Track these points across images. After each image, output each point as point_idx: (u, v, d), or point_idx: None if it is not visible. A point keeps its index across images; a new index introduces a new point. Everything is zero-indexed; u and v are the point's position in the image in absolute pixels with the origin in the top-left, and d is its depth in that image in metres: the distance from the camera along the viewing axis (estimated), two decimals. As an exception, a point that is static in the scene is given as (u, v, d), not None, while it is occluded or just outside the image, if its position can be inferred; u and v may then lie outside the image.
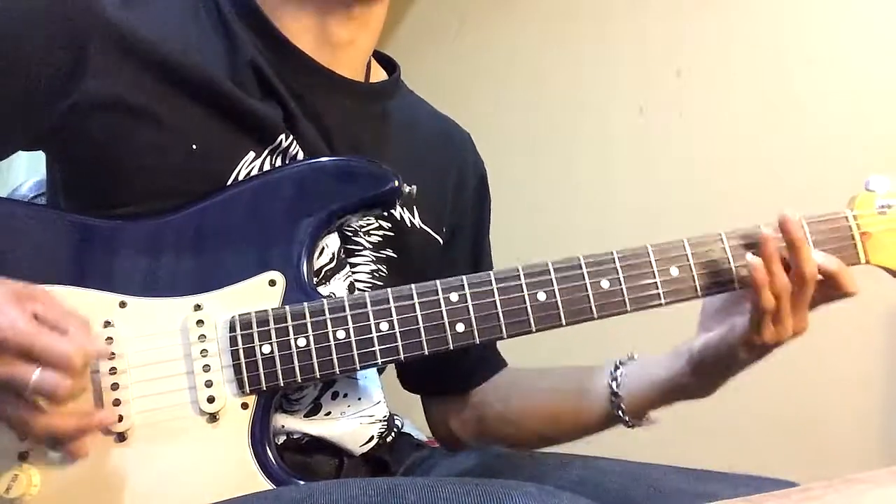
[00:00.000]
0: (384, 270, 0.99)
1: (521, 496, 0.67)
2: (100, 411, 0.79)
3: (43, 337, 0.70)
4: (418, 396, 1.17)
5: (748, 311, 0.88)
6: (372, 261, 0.99)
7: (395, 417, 1.05)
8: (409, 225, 1.02)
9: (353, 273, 0.97)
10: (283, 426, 0.89)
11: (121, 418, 0.79)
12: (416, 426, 1.21)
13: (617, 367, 1.00)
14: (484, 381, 1.11)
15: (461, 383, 1.12)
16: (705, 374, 0.95)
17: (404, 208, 1.01)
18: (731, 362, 0.92)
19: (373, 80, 1.05)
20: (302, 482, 0.81)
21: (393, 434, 1.03)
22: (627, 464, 0.93)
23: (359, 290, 0.97)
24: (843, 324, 1.67)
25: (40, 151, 0.94)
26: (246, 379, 0.82)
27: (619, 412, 0.99)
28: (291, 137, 0.92)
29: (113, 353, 0.80)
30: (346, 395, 0.95)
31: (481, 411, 1.11)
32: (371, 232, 0.99)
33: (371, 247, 0.99)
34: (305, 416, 0.92)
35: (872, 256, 0.92)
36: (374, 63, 1.07)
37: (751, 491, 0.84)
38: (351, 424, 0.95)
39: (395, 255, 1.00)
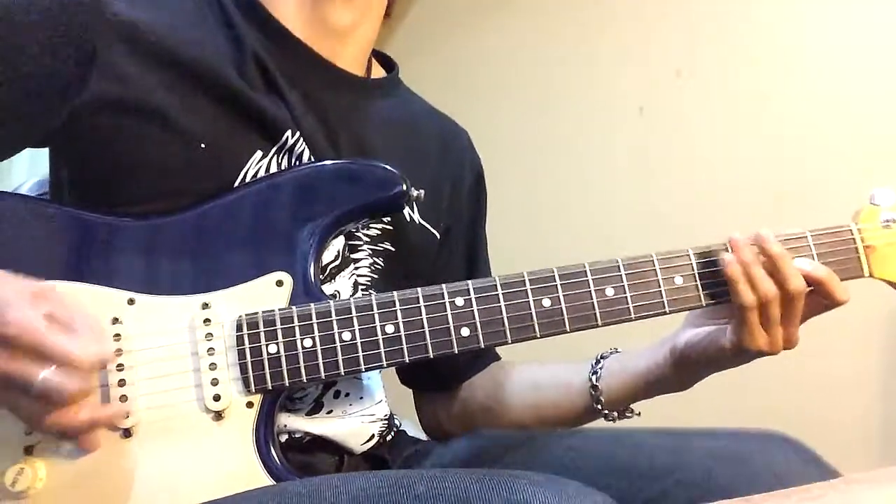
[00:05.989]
0: (381, 263, 1.00)
1: (529, 485, 0.67)
2: (109, 406, 0.79)
3: (52, 336, 0.70)
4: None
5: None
6: (370, 254, 0.99)
7: (395, 417, 1.05)
8: (409, 220, 1.02)
9: (356, 269, 0.97)
10: (285, 425, 0.90)
11: (127, 414, 0.80)
12: (416, 427, 1.22)
13: (598, 361, 1.02)
14: (474, 376, 1.12)
15: (454, 379, 1.13)
16: (688, 369, 0.96)
17: None
18: (716, 361, 0.94)
19: (373, 77, 1.06)
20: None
21: (393, 433, 1.04)
22: (612, 431, 0.95)
23: (360, 284, 0.97)
24: (843, 325, 1.67)
25: (42, 150, 0.94)
26: (252, 378, 0.82)
27: (598, 405, 1.00)
28: (298, 134, 0.93)
29: (120, 350, 0.81)
30: (347, 394, 0.96)
31: (468, 404, 1.12)
32: (370, 225, 0.99)
33: (369, 240, 0.99)
34: (307, 414, 0.92)
35: (876, 270, 0.92)
36: (373, 61, 1.07)
37: (731, 443, 0.87)
38: (353, 423, 0.96)
39: (392, 249, 1.01)
